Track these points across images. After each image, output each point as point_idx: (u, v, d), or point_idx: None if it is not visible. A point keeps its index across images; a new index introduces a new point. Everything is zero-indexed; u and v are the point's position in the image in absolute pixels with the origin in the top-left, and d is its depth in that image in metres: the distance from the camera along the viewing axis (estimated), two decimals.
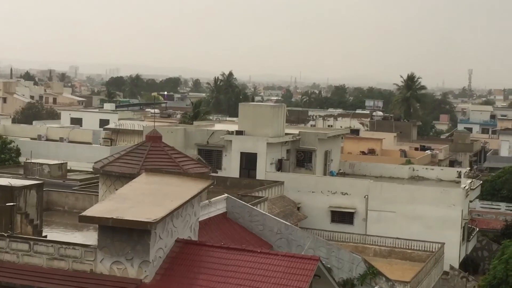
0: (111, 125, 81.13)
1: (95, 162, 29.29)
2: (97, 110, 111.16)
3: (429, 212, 47.06)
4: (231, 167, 51.14)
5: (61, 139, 69.01)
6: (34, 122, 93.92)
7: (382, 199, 48.31)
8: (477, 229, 56.90)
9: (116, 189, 25.13)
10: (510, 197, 68.93)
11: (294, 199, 48.04)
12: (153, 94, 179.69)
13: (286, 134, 54.15)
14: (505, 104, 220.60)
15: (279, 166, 52.08)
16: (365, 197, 48.66)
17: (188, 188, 23.39)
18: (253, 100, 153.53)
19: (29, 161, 45.40)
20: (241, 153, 51.22)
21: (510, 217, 63.69)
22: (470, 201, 54.93)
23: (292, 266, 21.20)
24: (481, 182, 61.63)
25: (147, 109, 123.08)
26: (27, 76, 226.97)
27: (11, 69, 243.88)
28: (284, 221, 31.05)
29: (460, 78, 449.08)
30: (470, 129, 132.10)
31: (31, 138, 69.42)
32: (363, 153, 74.37)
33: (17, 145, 60.46)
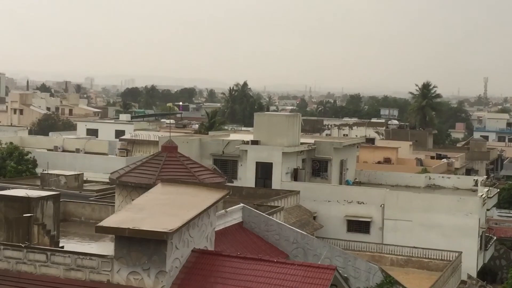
0: (126, 136, 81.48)
1: (111, 173, 29.37)
2: (112, 121, 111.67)
3: (446, 221, 46.83)
4: (246, 177, 51.13)
5: (77, 150, 69.35)
6: (50, 134, 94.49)
7: (399, 208, 48.12)
8: (495, 237, 56.54)
9: (132, 200, 25.18)
10: None
11: (310, 209, 47.94)
12: (168, 104, 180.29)
13: (302, 143, 54.09)
14: None
15: (295, 175, 52.01)
16: (381, 206, 48.49)
17: (204, 198, 23.41)
18: (268, 110, 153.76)
19: (46, 172, 45.58)
20: (257, 162, 51.20)
21: None
22: (487, 210, 54.60)
23: (308, 276, 21.13)
24: (498, 190, 61.26)
25: (162, 120, 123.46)
26: (43, 88, 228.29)
27: (28, 81, 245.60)
28: (300, 231, 31.00)
29: (476, 86, 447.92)
30: (486, 137, 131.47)
31: (48, 150, 69.77)
32: (379, 162, 74.18)
33: (34, 156, 60.77)
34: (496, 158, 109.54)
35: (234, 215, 29.55)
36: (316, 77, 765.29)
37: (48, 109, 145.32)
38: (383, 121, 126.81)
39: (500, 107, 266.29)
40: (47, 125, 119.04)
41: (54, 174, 44.92)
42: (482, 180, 59.37)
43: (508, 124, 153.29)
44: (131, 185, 27.60)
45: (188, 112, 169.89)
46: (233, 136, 59.23)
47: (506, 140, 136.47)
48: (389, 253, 42.65)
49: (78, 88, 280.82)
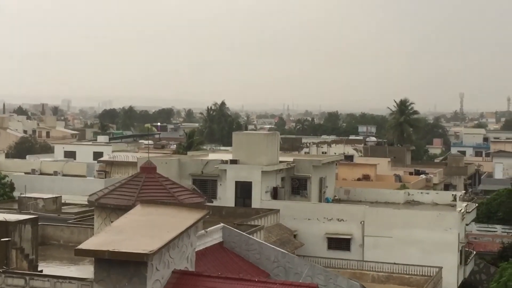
0: (105, 158, 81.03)
1: (89, 195, 29.20)
2: (90, 142, 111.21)
3: (426, 237, 46.98)
4: (226, 196, 51.05)
5: (55, 173, 68.85)
6: (27, 157, 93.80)
7: (378, 224, 48.22)
8: (474, 252, 56.78)
9: (112, 222, 25.02)
10: (506, 219, 68.96)
11: (290, 227, 47.91)
12: (146, 125, 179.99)
13: (281, 162, 54.14)
14: (497, 127, 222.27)
15: (274, 194, 52.00)
16: (361, 223, 48.56)
17: (184, 218, 23.31)
18: (246, 129, 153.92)
19: (24, 195, 45.31)
20: (236, 182, 51.14)
21: (507, 239, 63.61)
22: (466, 224, 54.86)
23: None
24: (477, 205, 61.62)
25: (140, 141, 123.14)
26: (20, 111, 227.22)
27: (4, 104, 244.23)
28: (281, 249, 30.94)
29: (452, 102, 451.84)
30: (463, 153, 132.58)
31: (25, 173, 69.23)
32: (358, 179, 74.40)
33: (11, 179, 60.28)
34: (474, 173, 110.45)
35: (214, 235, 29.45)
36: (293, 96, 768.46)
37: (25, 132, 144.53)
38: (361, 138, 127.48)
39: (476, 122, 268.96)
40: (24, 148, 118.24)
41: (32, 197, 44.66)
42: (461, 195, 59.67)
43: (485, 139, 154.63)
44: (110, 207, 27.44)
45: (166, 133, 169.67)
46: (212, 156, 59.18)
47: (483, 154, 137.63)
48: (370, 270, 42.71)
49: (55, 110, 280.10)
